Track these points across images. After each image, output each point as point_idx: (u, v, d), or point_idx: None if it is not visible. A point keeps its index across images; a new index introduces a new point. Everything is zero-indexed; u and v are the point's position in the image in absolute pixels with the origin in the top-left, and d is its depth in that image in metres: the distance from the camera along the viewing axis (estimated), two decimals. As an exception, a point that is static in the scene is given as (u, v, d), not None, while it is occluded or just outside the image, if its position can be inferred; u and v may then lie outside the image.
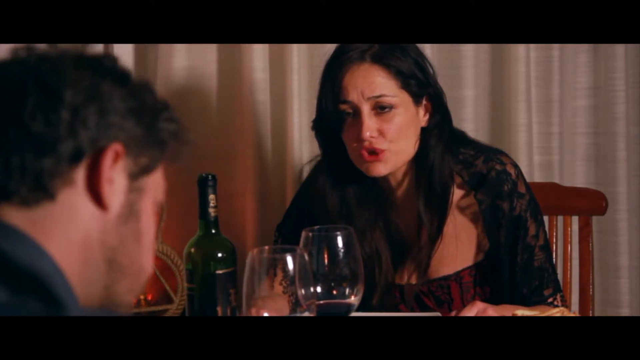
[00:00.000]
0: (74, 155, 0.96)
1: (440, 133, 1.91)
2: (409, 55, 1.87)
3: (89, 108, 0.97)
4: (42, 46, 1.01)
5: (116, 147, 0.98)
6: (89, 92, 0.97)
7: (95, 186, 0.98)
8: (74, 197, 0.97)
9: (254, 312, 1.46)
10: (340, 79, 1.86)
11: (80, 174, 0.97)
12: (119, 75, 1.02)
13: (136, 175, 1.02)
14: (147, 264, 1.06)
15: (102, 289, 1.01)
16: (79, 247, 0.98)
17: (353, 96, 1.85)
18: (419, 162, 1.92)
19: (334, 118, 1.88)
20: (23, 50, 0.99)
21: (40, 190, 0.95)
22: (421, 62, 1.89)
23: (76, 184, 0.97)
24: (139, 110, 1.01)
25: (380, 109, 1.85)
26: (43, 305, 0.90)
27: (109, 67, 1.02)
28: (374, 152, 1.85)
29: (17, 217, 0.95)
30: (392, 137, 1.85)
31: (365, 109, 1.84)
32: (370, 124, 1.84)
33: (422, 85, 1.88)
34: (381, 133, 1.85)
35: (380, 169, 1.87)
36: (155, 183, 1.06)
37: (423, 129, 1.91)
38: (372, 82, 1.84)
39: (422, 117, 1.91)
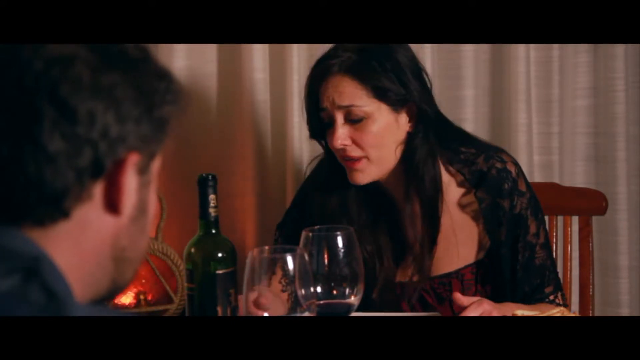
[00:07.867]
0: (94, 171, 0.92)
1: (424, 137, 1.90)
2: (385, 68, 1.84)
3: (106, 119, 0.92)
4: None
5: (133, 157, 0.95)
6: (105, 100, 0.92)
7: (114, 199, 0.95)
8: (89, 212, 0.94)
9: (252, 297, 1.46)
10: (318, 87, 1.88)
11: (98, 189, 0.94)
12: (126, 61, 0.95)
13: (145, 168, 0.98)
14: (146, 245, 1.05)
15: (109, 282, 1.00)
16: (91, 254, 0.96)
17: (327, 104, 1.86)
18: (406, 166, 1.92)
19: (316, 125, 1.90)
20: (29, 50, 0.92)
21: (57, 210, 0.92)
22: (402, 76, 1.85)
23: (92, 198, 0.94)
24: (146, 97, 0.95)
25: (353, 121, 1.85)
26: (44, 297, 0.89)
27: (115, 55, 0.95)
28: (351, 160, 1.86)
29: (28, 234, 0.92)
30: (367, 146, 1.86)
31: (339, 117, 1.86)
32: (341, 132, 1.85)
33: (400, 100, 1.86)
34: (355, 142, 1.86)
35: (358, 178, 1.88)
36: (157, 161, 1.01)
37: (409, 134, 1.90)
38: (341, 92, 1.85)
39: (406, 123, 1.89)
